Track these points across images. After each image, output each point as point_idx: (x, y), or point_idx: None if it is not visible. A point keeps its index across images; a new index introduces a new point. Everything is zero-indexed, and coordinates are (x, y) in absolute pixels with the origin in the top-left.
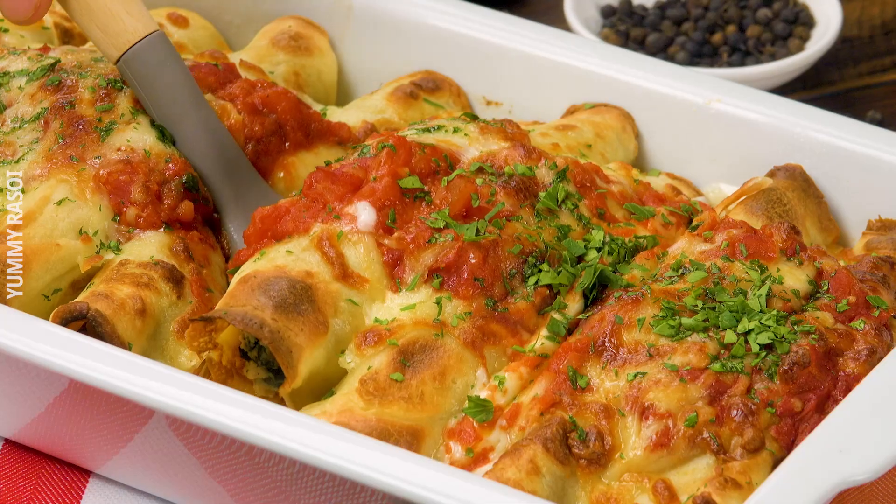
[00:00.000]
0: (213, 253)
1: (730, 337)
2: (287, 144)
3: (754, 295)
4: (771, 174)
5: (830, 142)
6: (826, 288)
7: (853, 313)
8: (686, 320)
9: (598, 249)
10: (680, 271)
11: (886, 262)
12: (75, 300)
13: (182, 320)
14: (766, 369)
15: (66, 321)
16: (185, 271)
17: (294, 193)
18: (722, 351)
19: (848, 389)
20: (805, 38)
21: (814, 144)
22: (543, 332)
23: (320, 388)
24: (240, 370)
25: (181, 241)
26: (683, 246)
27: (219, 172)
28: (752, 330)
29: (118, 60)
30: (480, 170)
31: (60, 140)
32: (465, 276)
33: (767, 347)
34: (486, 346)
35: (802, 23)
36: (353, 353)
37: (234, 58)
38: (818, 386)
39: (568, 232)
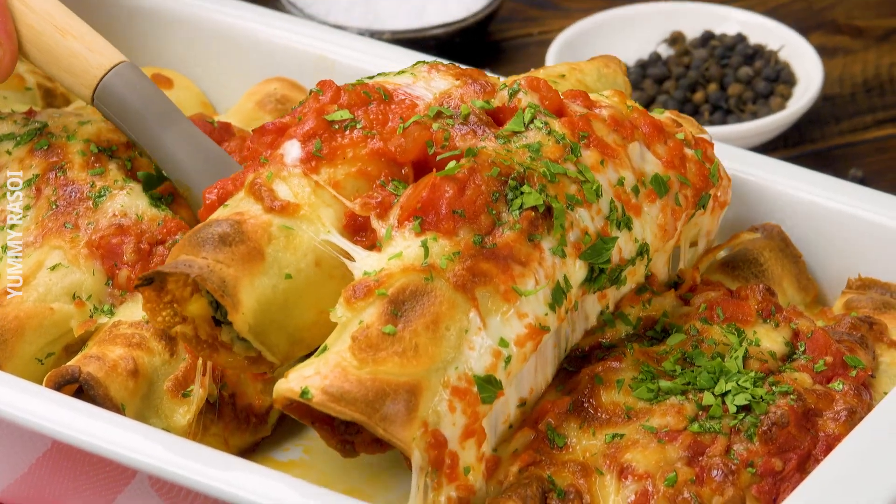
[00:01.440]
0: None
1: (707, 399)
2: None
3: (731, 357)
4: (749, 233)
5: (811, 200)
6: (803, 349)
7: (831, 373)
8: (664, 383)
9: (608, 213)
10: (662, 334)
11: (865, 323)
12: (67, 363)
13: (175, 378)
14: (744, 430)
15: (59, 385)
16: None
17: None
18: (700, 412)
19: (829, 449)
20: (787, 97)
21: (794, 203)
22: (546, 297)
23: (313, 341)
24: (223, 343)
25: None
26: (666, 305)
27: (209, 181)
28: (730, 391)
29: (93, 99)
30: (439, 114)
31: (54, 207)
32: (444, 210)
33: (745, 408)
34: (478, 288)
35: (784, 81)
36: (344, 306)
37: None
38: (798, 446)
39: (539, 148)
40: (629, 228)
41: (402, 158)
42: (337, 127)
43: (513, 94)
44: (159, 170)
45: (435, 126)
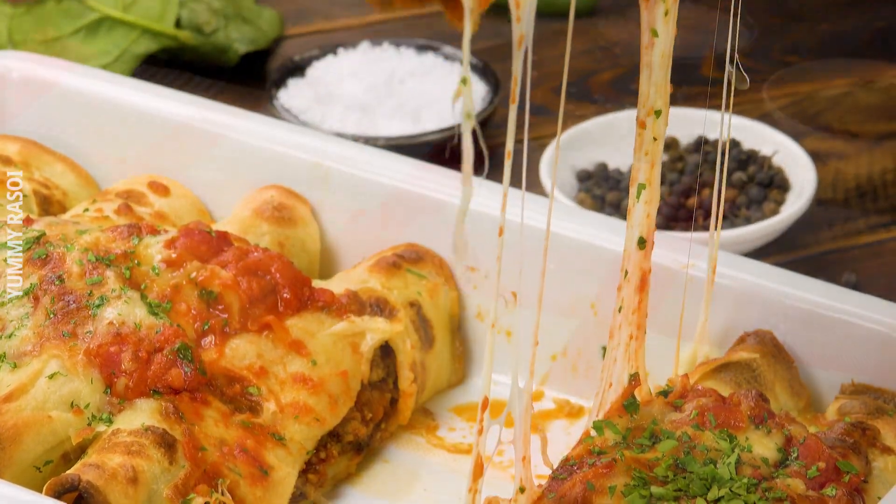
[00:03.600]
0: (205, 408)
1: None
2: (281, 307)
3: (724, 463)
4: (741, 340)
5: (804, 306)
6: (795, 455)
7: (824, 479)
8: (657, 489)
9: None
10: (651, 440)
11: (858, 428)
12: (67, 472)
13: (175, 486)
14: None
15: (59, 493)
16: (176, 433)
17: None
18: None
19: None
20: (780, 202)
21: (788, 309)
22: None
23: None
24: None
25: (171, 402)
26: (654, 413)
27: None
28: (723, 497)
29: None
30: None
31: (52, 316)
32: None
33: None
34: None
35: (777, 186)
36: None
37: (218, 229)
38: None
39: None
40: None
41: None
42: None
43: None
44: None
45: None
